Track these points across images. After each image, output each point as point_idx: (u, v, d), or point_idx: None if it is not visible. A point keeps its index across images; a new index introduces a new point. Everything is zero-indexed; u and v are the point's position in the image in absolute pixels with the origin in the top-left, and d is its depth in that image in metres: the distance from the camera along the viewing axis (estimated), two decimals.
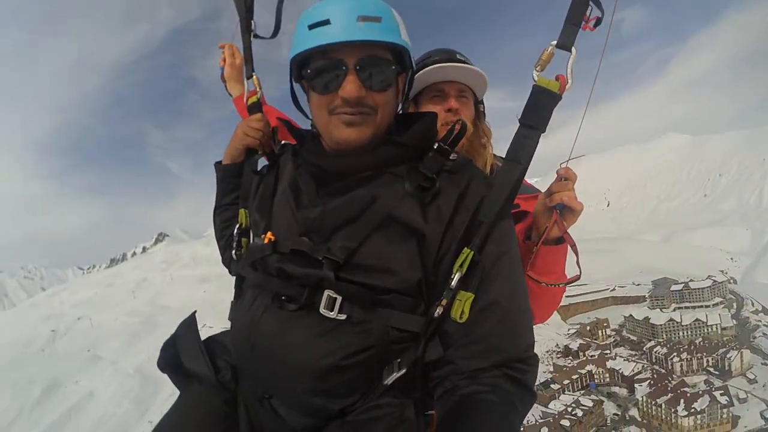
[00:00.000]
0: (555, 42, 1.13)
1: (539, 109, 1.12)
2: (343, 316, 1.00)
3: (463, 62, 1.57)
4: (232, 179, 1.44)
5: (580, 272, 1.30)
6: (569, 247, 1.29)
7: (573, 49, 1.12)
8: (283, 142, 1.42)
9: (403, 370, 1.00)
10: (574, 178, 1.27)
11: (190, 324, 1.31)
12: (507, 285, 1.02)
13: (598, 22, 1.15)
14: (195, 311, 1.33)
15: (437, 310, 0.99)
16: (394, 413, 1.00)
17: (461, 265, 0.99)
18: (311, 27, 1.06)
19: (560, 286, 1.29)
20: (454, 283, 0.99)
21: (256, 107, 1.50)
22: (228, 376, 1.20)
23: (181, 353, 1.24)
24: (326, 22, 1.04)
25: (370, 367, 1.01)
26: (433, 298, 1.01)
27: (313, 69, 1.09)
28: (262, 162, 1.42)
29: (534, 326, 1.38)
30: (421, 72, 1.52)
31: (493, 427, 0.89)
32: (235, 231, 1.33)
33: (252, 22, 1.53)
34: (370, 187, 1.08)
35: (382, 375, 1.01)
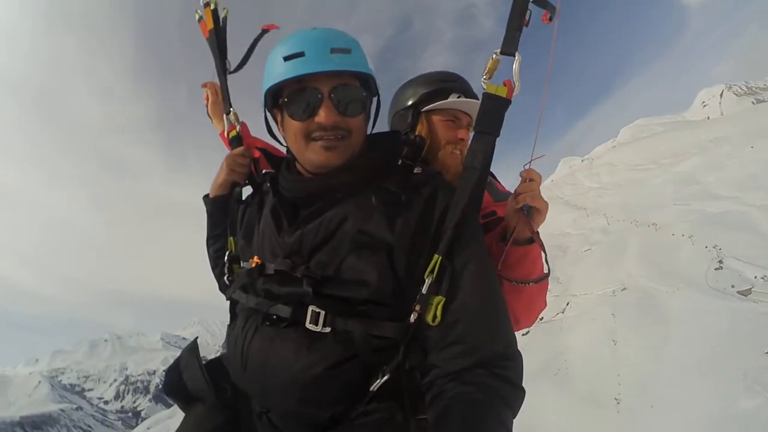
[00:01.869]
0: (499, 49, 1.18)
1: (491, 115, 1.16)
2: (327, 329, 1.05)
3: (475, 94, 1.67)
4: (220, 211, 1.50)
5: (548, 270, 1.35)
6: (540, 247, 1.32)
7: (517, 54, 1.16)
8: (264, 171, 1.49)
9: (387, 376, 1.03)
10: (539, 178, 1.30)
11: (192, 349, 1.37)
12: (476, 286, 1.05)
13: (552, 15, 1.20)
14: (197, 337, 1.40)
15: (412, 316, 1.03)
16: (382, 418, 1.04)
17: (432, 271, 1.03)
18: (287, 59, 1.12)
19: (530, 284, 1.32)
20: (425, 289, 1.03)
21: (236, 140, 1.57)
22: (229, 396, 1.26)
23: (184, 376, 1.30)
24: (301, 54, 1.11)
25: (356, 374, 1.05)
26: (409, 305, 1.04)
27: (290, 97, 1.15)
28: (248, 191, 1.49)
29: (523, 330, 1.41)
30: (446, 101, 1.61)
31: (485, 424, 0.90)
32: (226, 258, 1.40)
33: (226, 62, 1.62)
34: (341, 207, 1.14)
35: (368, 382, 1.05)
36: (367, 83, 1.20)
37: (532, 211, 1.27)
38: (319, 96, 1.12)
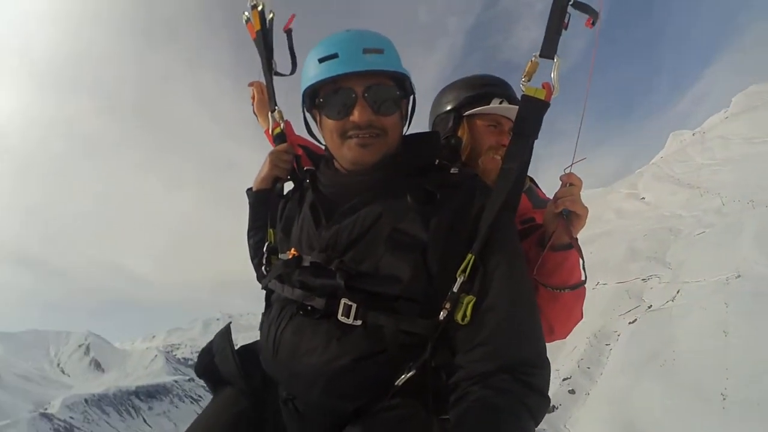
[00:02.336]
0: (538, 52, 1.19)
1: (529, 118, 1.19)
2: (358, 322, 1.07)
3: (517, 99, 1.63)
4: (261, 204, 1.57)
5: (585, 278, 1.32)
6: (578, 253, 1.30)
7: (556, 57, 1.18)
8: (305, 168, 1.56)
9: (413, 372, 1.04)
10: (579, 183, 1.28)
11: (225, 333, 1.42)
12: (508, 288, 1.05)
13: (594, 20, 1.20)
14: (230, 323, 1.47)
15: (442, 314, 1.04)
16: (405, 414, 1.04)
17: (464, 270, 1.05)
18: (321, 60, 1.19)
19: (567, 290, 1.30)
20: (456, 287, 1.04)
21: (280, 137, 1.66)
22: (257, 381, 1.30)
23: (216, 359, 1.37)
24: (335, 56, 1.17)
25: (383, 369, 1.06)
26: (439, 303, 1.05)
27: (325, 98, 1.20)
28: (289, 186, 1.57)
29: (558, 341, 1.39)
30: (489, 106, 1.61)
31: (503, 431, 0.91)
32: (265, 248, 1.46)
33: (273, 61, 1.72)
34: (377, 204, 1.17)
35: (393, 376, 1.06)
36: (401, 83, 1.24)
37: (571, 216, 1.26)
38: (353, 96, 1.17)
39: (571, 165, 1.30)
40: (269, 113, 1.72)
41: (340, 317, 1.08)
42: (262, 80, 1.77)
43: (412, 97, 1.31)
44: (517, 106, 1.45)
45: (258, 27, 1.70)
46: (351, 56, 1.16)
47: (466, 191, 1.17)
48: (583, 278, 1.32)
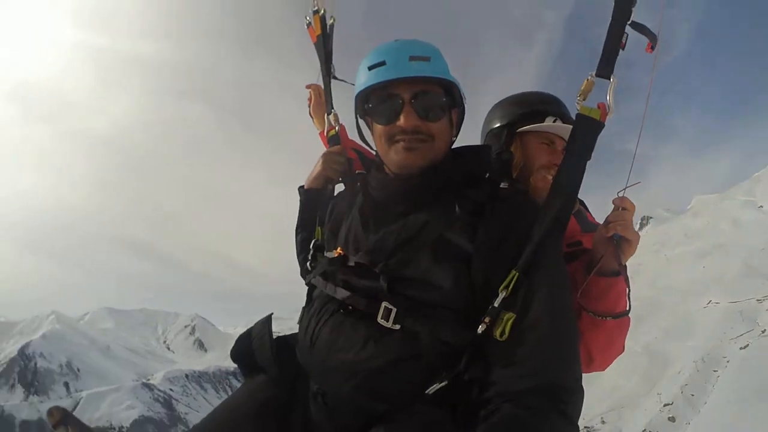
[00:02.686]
0: (594, 71, 1.18)
1: (583, 138, 1.18)
2: (397, 326, 1.08)
3: (571, 118, 1.61)
4: (311, 202, 1.59)
5: (629, 306, 1.28)
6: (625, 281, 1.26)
7: (612, 77, 1.16)
8: (357, 171, 1.57)
9: (445, 382, 1.05)
10: (632, 208, 1.24)
11: (265, 322, 1.45)
12: (550, 309, 1.04)
13: (654, 44, 1.18)
14: (272, 314, 1.50)
15: (480, 328, 1.04)
16: (432, 422, 1.05)
17: (507, 286, 1.04)
18: (370, 68, 1.24)
19: (611, 318, 1.26)
20: (497, 302, 1.04)
21: (334, 140, 1.69)
22: (290, 372, 1.32)
23: (254, 345, 1.40)
24: (382, 63, 1.21)
25: (415, 375, 1.07)
26: (479, 316, 1.05)
27: (374, 104, 1.26)
28: (340, 188, 1.60)
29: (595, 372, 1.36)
30: (542, 124, 1.59)
31: None
32: (312, 245, 1.47)
33: (331, 66, 1.76)
34: (425, 212, 1.19)
35: (425, 384, 1.06)
36: (450, 91, 1.25)
37: (621, 242, 1.23)
38: (400, 101, 1.20)
39: (624, 188, 1.26)
40: (325, 115, 1.77)
41: (379, 320, 1.09)
42: (321, 83, 1.82)
43: (461, 106, 1.33)
44: (571, 126, 1.42)
45: (318, 32, 1.76)
46: (398, 63, 1.21)
47: (515, 207, 1.18)
48: (627, 308, 1.28)
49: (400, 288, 1.12)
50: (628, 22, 1.16)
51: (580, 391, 1.01)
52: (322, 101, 1.85)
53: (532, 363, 1.00)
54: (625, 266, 1.25)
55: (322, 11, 1.76)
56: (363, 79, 1.26)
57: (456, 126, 1.34)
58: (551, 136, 1.60)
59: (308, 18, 1.79)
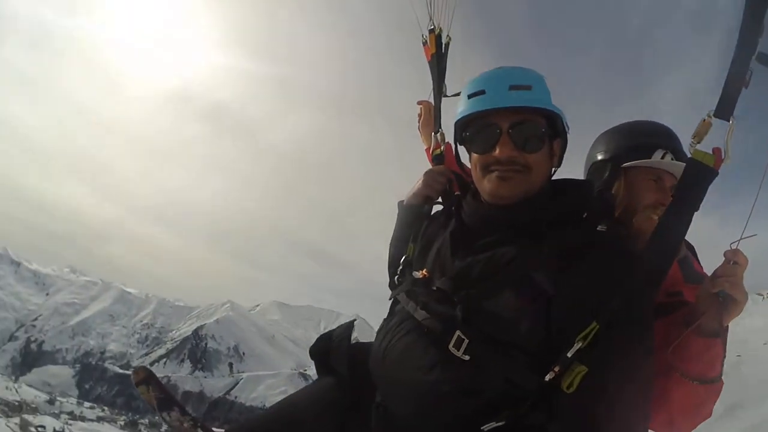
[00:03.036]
0: (713, 111, 1.08)
1: (693, 185, 1.08)
2: (466, 357, 1.06)
3: (683, 152, 1.50)
4: (409, 218, 1.56)
5: (721, 373, 1.13)
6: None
7: (732, 119, 1.05)
8: (456, 193, 1.53)
9: (502, 422, 1.02)
10: (745, 262, 1.09)
11: (347, 327, 1.49)
12: (624, 371, 0.99)
13: None
14: (354, 319, 1.57)
15: (549, 375, 0.99)
16: None
17: (584, 338, 0.99)
18: (470, 96, 1.23)
19: (701, 383, 1.12)
20: (571, 353, 0.99)
21: (439, 158, 1.69)
22: (360, 379, 1.33)
23: (332, 346, 1.44)
24: (482, 92, 1.20)
25: (475, 408, 1.05)
26: (551, 363, 1.01)
27: (472, 132, 1.24)
28: (438, 208, 1.58)
29: None
30: (650, 159, 1.48)
31: None
32: (402, 260, 1.47)
33: (444, 85, 1.78)
34: (514, 246, 1.15)
35: (482, 420, 1.03)
36: (552, 121, 1.21)
37: (727, 301, 1.09)
38: (498, 131, 1.18)
39: (738, 240, 1.10)
40: (433, 133, 1.78)
41: (450, 347, 1.07)
42: (431, 100, 1.83)
43: (564, 136, 1.28)
44: (683, 163, 1.30)
45: (434, 50, 1.79)
46: (497, 93, 1.18)
47: (608, 255, 1.11)
48: (719, 373, 1.14)
49: (476, 320, 1.10)
50: (754, 56, 1.04)
51: None
52: (431, 118, 1.85)
53: (595, 424, 0.96)
54: (727, 328, 1.12)
55: (438, 30, 1.81)
56: (462, 107, 1.27)
57: (558, 157, 1.29)
58: (660, 172, 1.46)
59: (424, 36, 1.85)
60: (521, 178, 1.19)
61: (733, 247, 1.12)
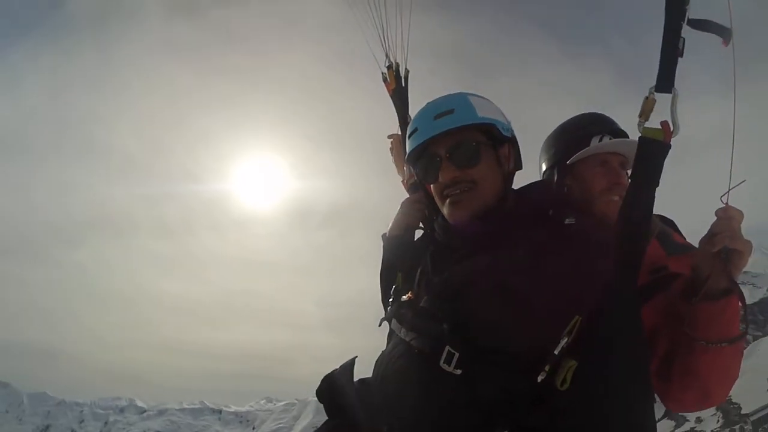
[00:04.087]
0: (654, 87, 1.08)
1: (648, 162, 1.07)
2: (458, 371, 1.06)
3: (621, 131, 1.57)
4: (394, 248, 1.62)
5: (746, 328, 1.07)
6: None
7: (673, 90, 1.05)
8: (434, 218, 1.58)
9: (505, 430, 1.02)
10: (739, 216, 1.07)
11: (349, 366, 1.48)
12: (615, 358, 0.98)
13: (727, 38, 1.06)
14: (356, 356, 1.52)
15: (540, 376, 0.99)
16: None
17: (569, 332, 0.99)
18: (409, 137, 1.36)
19: (724, 344, 1.06)
20: (557, 349, 0.99)
21: (415, 187, 1.73)
22: (368, 414, 1.32)
23: (336, 388, 1.43)
24: (415, 131, 1.33)
25: (474, 420, 1.05)
26: (541, 362, 1.01)
27: (420, 167, 1.36)
28: (420, 233, 1.66)
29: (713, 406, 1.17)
30: (588, 147, 1.54)
31: None
32: (392, 290, 1.50)
33: (408, 116, 1.86)
34: (486, 255, 1.19)
35: (486, 430, 1.04)
36: (489, 132, 1.28)
37: (731, 255, 1.05)
38: (438, 159, 1.29)
39: (727, 192, 1.07)
40: (405, 164, 1.82)
41: (441, 364, 1.08)
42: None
43: (509, 139, 1.33)
44: (621, 139, 1.38)
45: (393, 85, 1.90)
46: (425, 126, 1.30)
47: (580, 246, 1.11)
48: (743, 330, 1.08)
49: (463, 332, 1.11)
50: (684, 22, 1.05)
51: None
52: (402, 150, 1.90)
53: (594, 417, 0.95)
54: (736, 282, 1.06)
55: (395, 66, 1.93)
56: (407, 148, 1.38)
57: (511, 159, 1.34)
58: (603, 156, 1.50)
59: (384, 73, 1.97)
60: (471, 196, 1.27)
61: (723, 200, 1.09)
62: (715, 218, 1.09)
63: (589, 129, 1.57)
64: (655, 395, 1.27)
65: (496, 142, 1.31)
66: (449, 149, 1.28)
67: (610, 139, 1.51)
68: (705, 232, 1.11)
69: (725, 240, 1.05)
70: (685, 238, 1.48)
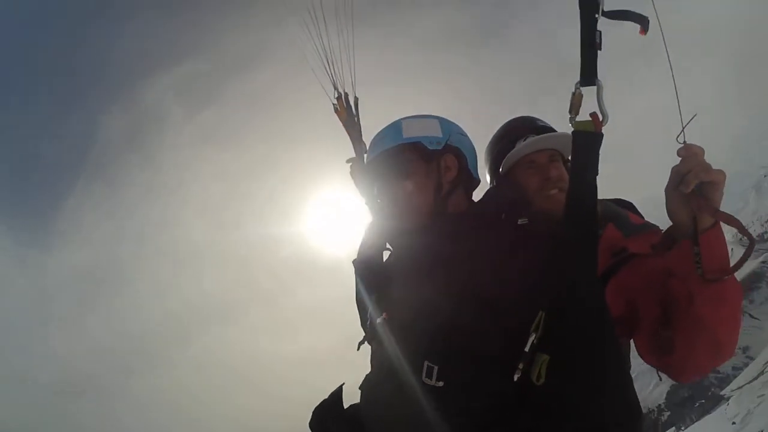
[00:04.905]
0: (578, 82, 1.12)
1: (585, 153, 1.10)
2: (440, 383, 1.07)
3: (547, 128, 1.62)
4: (365, 272, 1.63)
5: (753, 242, 1.06)
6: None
7: (597, 81, 1.10)
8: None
9: None
10: (701, 150, 1.07)
11: (337, 394, 1.48)
12: (584, 344, 1.01)
13: (645, 26, 1.10)
14: (343, 383, 1.50)
15: (516, 374, 1.01)
16: None
17: (536, 328, 1.01)
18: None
19: (726, 278, 1.05)
20: (528, 346, 1.01)
21: (380, 210, 1.74)
22: None
23: (328, 418, 1.45)
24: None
25: (467, 428, 1.06)
26: (516, 362, 1.02)
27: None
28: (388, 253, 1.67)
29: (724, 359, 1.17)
30: (512, 151, 1.61)
31: None
32: (369, 313, 1.51)
33: (363, 143, 1.89)
34: (449, 262, 1.22)
35: None
36: (418, 150, 1.36)
37: (705, 189, 1.05)
38: (380, 183, 1.43)
39: (682, 130, 1.08)
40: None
41: (423, 378, 1.10)
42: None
43: (438, 153, 1.37)
44: (544, 135, 1.50)
45: (344, 114, 1.96)
46: (369, 153, 1.47)
47: (535, 243, 1.15)
48: (732, 265, 1.07)
49: (438, 344, 1.12)
50: (598, 15, 1.08)
51: (636, 414, 0.99)
52: (359, 174, 1.98)
53: (577, 405, 0.98)
54: (721, 212, 1.06)
55: (344, 95, 1.98)
56: None
57: (453, 168, 1.38)
58: (529, 157, 1.57)
59: (334, 104, 2.00)
60: (405, 210, 1.37)
61: (680, 141, 1.10)
62: (679, 161, 1.09)
63: (512, 134, 1.65)
64: (661, 374, 1.30)
65: (427, 157, 1.37)
66: (385, 170, 1.41)
67: (534, 136, 1.58)
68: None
69: (699, 174, 1.04)
70: (643, 218, 1.52)
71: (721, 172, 1.04)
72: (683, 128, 1.08)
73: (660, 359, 1.21)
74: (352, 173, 2.12)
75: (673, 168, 1.10)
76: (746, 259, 1.06)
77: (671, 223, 1.15)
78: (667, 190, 1.12)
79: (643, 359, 1.31)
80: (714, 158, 1.05)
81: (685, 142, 1.09)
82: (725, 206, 1.06)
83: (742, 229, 1.07)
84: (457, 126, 1.46)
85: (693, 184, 1.05)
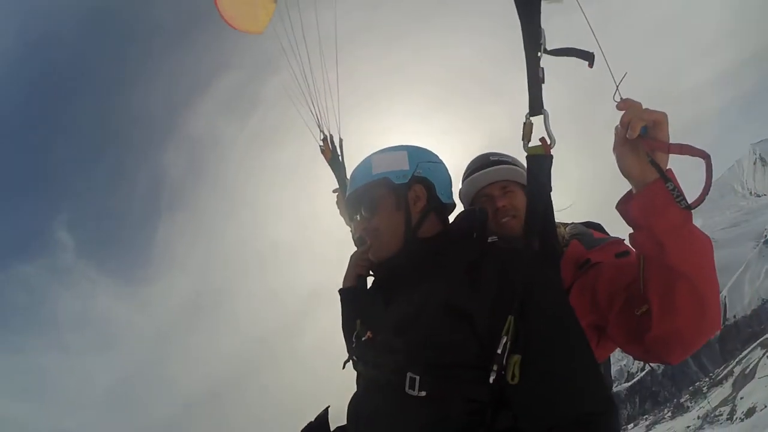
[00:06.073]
0: (528, 113, 1.23)
1: (538, 176, 1.23)
2: (423, 393, 1.13)
3: (498, 162, 1.78)
4: (350, 300, 1.78)
5: (708, 157, 1.05)
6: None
7: (543, 110, 1.21)
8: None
9: None
10: (638, 102, 1.13)
11: (323, 416, 1.55)
12: (552, 342, 1.09)
13: (590, 61, 1.17)
14: (328, 406, 1.58)
15: (492, 377, 1.07)
16: None
17: (507, 332, 1.08)
18: None
19: (693, 207, 1.06)
20: (500, 348, 1.07)
21: (361, 240, 1.83)
22: None
23: None
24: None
25: None
26: (490, 365, 1.09)
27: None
28: (371, 280, 1.78)
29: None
30: (464, 185, 1.84)
31: None
32: (353, 337, 1.55)
33: (347, 180, 2.04)
34: (426, 282, 1.31)
35: None
36: (385, 184, 1.46)
37: (651, 131, 1.09)
38: (357, 216, 1.55)
39: (617, 88, 1.14)
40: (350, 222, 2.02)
41: (407, 390, 1.15)
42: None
43: (406, 186, 1.46)
44: (481, 172, 1.78)
45: (329, 154, 2.15)
46: (347, 194, 1.60)
47: (503, 257, 1.25)
48: (683, 204, 1.07)
49: (419, 357, 1.19)
50: (540, 53, 1.18)
51: (609, 406, 1.03)
52: (343, 207, 2.13)
53: (550, 400, 1.03)
54: (673, 144, 1.09)
55: (329, 137, 2.18)
56: None
57: (423, 198, 1.46)
58: (482, 191, 1.76)
59: (321, 145, 2.23)
60: (378, 241, 1.48)
61: (617, 99, 1.16)
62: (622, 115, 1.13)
63: (469, 174, 1.84)
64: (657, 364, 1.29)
65: (395, 191, 1.46)
66: (358, 206, 1.53)
67: (481, 170, 1.79)
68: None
69: (642, 116, 1.09)
70: (605, 234, 1.64)
71: (662, 112, 1.09)
72: (617, 87, 1.15)
73: (642, 341, 1.21)
74: (337, 204, 2.34)
75: (615, 126, 1.15)
76: (711, 175, 1.06)
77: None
78: (615, 148, 1.17)
79: (626, 351, 1.34)
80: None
81: (618, 94, 1.15)
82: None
83: (696, 151, 1.08)
84: (427, 154, 1.54)
85: (639, 126, 1.09)
